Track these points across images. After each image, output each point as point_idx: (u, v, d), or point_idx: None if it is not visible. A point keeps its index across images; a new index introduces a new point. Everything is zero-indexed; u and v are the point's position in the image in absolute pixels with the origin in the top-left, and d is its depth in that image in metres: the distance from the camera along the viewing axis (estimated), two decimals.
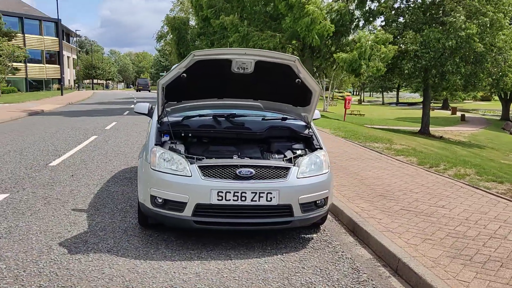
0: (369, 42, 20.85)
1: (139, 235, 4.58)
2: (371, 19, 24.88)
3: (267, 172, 4.24)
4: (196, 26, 31.53)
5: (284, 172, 4.27)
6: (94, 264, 3.86)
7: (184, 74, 4.43)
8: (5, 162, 8.24)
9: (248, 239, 4.56)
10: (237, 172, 4.16)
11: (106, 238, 4.46)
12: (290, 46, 26.63)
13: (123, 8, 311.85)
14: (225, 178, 4.14)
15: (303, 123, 5.17)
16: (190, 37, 31.85)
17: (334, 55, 22.01)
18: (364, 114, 42.93)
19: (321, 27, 20.01)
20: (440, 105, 66.30)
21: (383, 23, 26.95)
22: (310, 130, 5.05)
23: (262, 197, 4.13)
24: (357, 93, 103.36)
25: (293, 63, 4.42)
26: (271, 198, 4.15)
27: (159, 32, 41.75)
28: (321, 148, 4.71)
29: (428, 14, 25.50)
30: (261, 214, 4.20)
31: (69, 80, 64.20)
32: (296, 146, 5.00)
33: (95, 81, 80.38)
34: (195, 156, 4.39)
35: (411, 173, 7.74)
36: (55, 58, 56.54)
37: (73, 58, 69.22)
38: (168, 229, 4.66)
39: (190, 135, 4.82)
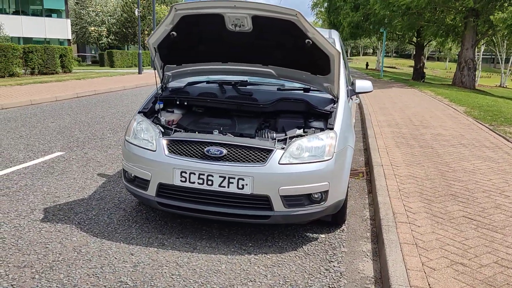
0: None
1: (127, 209, 4.25)
2: None
3: (242, 154, 3.45)
4: None
5: (264, 155, 3.43)
6: (49, 236, 3.63)
7: (174, 33, 3.84)
8: (100, 122, 8.78)
9: (237, 230, 3.86)
10: (205, 150, 3.47)
11: (93, 209, 4.23)
12: (450, 9, 23.34)
13: None
14: (190, 156, 3.49)
15: (329, 97, 4.14)
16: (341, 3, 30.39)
17: (491, 17, 18.47)
18: None
19: None
20: None
21: None
22: (334, 105, 4.01)
23: (232, 183, 3.39)
24: None
25: (295, 18, 3.45)
26: (242, 185, 3.37)
27: (315, 0, 40.86)
28: (331, 129, 3.68)
29: None
30: (230, 203, 3.46)
31: None
32: (315, 124, 4.04)
33: None
34: (174, 128, 3.83)
35: None
36: None
37: None
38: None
39: (185, 103, 4.24)
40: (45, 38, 36.98)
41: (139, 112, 4.03)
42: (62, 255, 3.32)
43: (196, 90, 4.33)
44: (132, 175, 3.75)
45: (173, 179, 3.48)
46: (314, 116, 4.08)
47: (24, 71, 19.62)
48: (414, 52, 38.68)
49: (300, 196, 3.44)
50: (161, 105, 4.20)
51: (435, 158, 6.26)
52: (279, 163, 3.38)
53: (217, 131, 3.76)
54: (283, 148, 3.49)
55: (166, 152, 3.54)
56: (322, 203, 3.51)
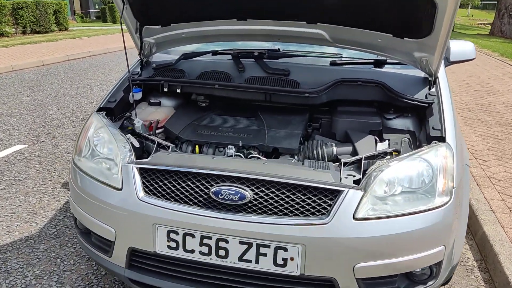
0: None
1: (91, 259, 2.69)
2: None
3: (283, 199, 1.80)
4: None
5: (324, 202, 1.78)
6: None
7: None
8: (86, 95, 7.16)
9: None
10: (211, 191, 1.82)
11: (38, 261, 2.67)
12: None
13: None
14: (184, 202, 1.86)
15: (420, 75, 2.44)
16: None
17: None
18: None
19: None
20: None
21: None
22: (433, 90, 2.30)
23: (265, 255, 1.77)
24: None
25: None
26: (284, 260, 1.76)
27: None
28: (442, 140, 1.99)
29: None
30: None
31: None
32: (397, 124, 2.37)
33: None
34: (157, 140, 2.18)
35: None
36: None
37: None
38: None
39: (178, 91, 2.54)
40: None
41: (99, 110, 2.36)
42: None
43: (196, 67, 2.63)
44: (86, 227, 2.14)
45: (154, 243, 1.87)
46: (396, 109, 2.40)
47: (14, 30, 17.79)
48: None
49: (393, 277, 1.82)
50: (139, 95, 2.54)
51: None
52: (354, 218, 1.74)
53: (233, 148, 2.09)
54: (357, 181, 1.84)
55: (140, 192, 1.90)
56: (431, 282, 1.89)
